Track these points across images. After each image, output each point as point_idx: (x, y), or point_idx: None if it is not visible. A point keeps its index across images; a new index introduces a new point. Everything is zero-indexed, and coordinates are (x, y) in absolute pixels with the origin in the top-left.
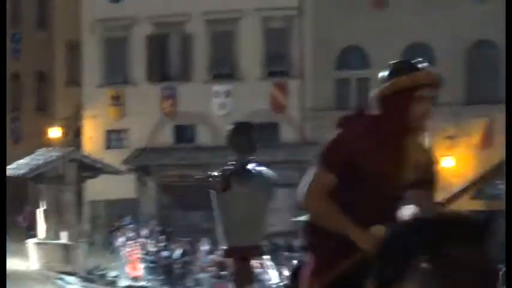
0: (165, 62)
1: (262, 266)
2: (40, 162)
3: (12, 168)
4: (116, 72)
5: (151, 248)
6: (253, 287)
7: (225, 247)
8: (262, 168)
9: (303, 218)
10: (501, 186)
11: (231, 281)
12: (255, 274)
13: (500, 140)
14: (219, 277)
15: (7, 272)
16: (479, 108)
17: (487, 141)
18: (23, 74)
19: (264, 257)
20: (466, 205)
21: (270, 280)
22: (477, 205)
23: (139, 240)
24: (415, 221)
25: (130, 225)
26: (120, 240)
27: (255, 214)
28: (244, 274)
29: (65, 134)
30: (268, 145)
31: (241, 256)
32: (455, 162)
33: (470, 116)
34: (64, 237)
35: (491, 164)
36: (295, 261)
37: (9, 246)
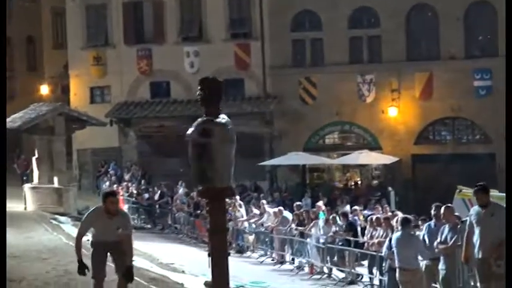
0: (140, 26)
1: (233, 205)
2: (33, 116)
3: (8, 122)
4: (97, 36)
5: (134, 191)
6: (226, 223)
7: (200, 188)
8: (227, 119)
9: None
10: None
11: (206, 219)
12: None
13: (439, 91)
14: (195, 215)
15: (8, 212)
16: (419, 64)
17: (427, 93)
18: (15, 38)
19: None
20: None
21: (241, 217)
22: None
23: (123, 183)
24: None
25: (114, 171)
26: (106, 184)
27: (225, 159)
28: (218, 212)
29: (54, 91)
30: (235, 99)
31: (215, 196)
32: (399, 112)
33: (412, 71)
34: (56, 182)
35: (431, 112)
36: (263, 201)
37: (8, 191)
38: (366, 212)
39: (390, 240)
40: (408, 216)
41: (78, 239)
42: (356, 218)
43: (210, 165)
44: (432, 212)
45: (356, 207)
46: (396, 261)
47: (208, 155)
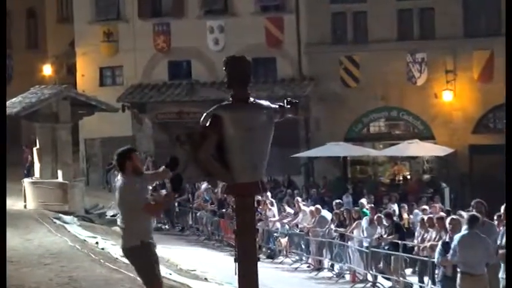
0: None
1: (264, 202)
2: (33, 100)
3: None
4: (107, 8)
5: (149, 186)
6: (255, 223)
7: (226, 184)
8: (261, 102)
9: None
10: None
11: (233, 219)
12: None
13: (500, 73)
14: (220, 215)
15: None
16: (478, 41)
17: (487, 74)
18: (14, 11)
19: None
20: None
21: (273, 217)
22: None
23: None
24: None
25: None
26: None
27: (255, 150)
28: (246, 211)
29: (58, 71)
30: (266, 81)
31: (244, 192)
32: (455, 96)
33: (470, 49)
34: (60, 177)
35: (491, 96)
36: (298, 198)
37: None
38: (416, 211)
39: (444, 244)
40: (476, 214)
41: (152, 208)
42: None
43: (236, 156)
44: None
45: (404, 205)
46: (460, 265)
47: (232, 145)
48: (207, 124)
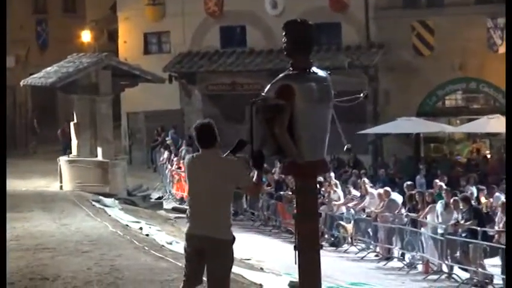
0: None
1: (329, 184)
2: (70, 69)
3: (40, 77)
4: None
5: None
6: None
7: (285, 163)
8: (323, 73)
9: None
10: None
11: (292, 202)
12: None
13: None
14: (277, 198)
15: (38, 192)
16: None
17: None
18: None
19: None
20: None
21: (337, 200)
22: None
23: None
24: None
25: (174, 140)
26: (163, 156)
27: (319, 125)
28: (308, 193)
29: (98, 38)
30: (329, 48)
31: (305, 172)
32: None
33: None
34: (100, 155)
35: None
36: (365, 179)
37: (38, 165)
38: (497, 194)
39: None
40: None
41: (256, 189)
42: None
43: (301, 132)
44: None
45: (483, 187)
46: None
47: (299, 119)
48: (278, 95)
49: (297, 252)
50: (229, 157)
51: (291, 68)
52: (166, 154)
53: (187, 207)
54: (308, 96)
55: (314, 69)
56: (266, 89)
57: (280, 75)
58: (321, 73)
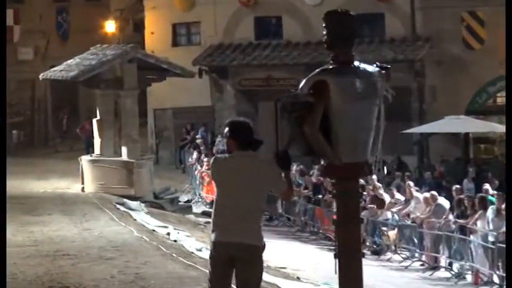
0: None
1: (375, 187)
2: (93, 62)
3: (61, 70)
4: None
5: None
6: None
7: (324, 164)
8: (367, 66)
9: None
10: None
11: (331, 206)
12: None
13: None
14: (315, 202)
15: (58, 194)
16: None
17: None
18: None
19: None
20: None
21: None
22: None
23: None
24: None
25: (204, 139)
26: (193, 157)
27: (362, 124)
28: (349, 197)
29: (123, 28)
30: (372, 41)
31: (347, 175)
32: None
33: None
34: (124, 154)
35: None
36: (409, 182)
37: (58, 165)
38: None
39: None
40: None
41: (289, 194)
42: None
43: (340, 131)
44: None
45: None
46: None
47: (337, 117)
48: (311, 92)
49: (337, 260)
50: (265, 160)
51: (331, 62)
52: (195, 154)
53: (214, 212)
54: (347, 92)
55: (359, 63)
56: (301, 85)
57: (317, 70)
58: (367, 67)
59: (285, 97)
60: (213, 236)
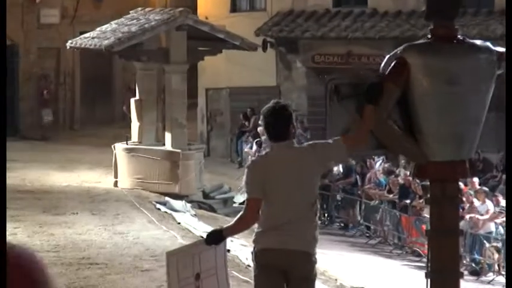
0: None
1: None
2: (133, 29)
3: (93, 37)
4: None
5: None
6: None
7: (416, 162)
8: (476, 42)
9: None
10: None
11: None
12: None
13: None
14: (402, 208)
15: (85, 189)
16: None
17: None
18: None
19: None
20: None
21: (485, 214)
22: None
23: None
24: None
25: None
26: (252, 148)
27: (462, 114)
28: (446, 203)
29: None
30: (477, 13)
31: (443, 176)
32: None
33: None
34: (168, 143)
35: None
36: None
37: (87, 153)
38: None
39: None
40: None
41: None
42: None
43: (431, 122)
44: None
45: None
46: None
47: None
48: (387, 72)
49: (428, 280)
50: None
51: (429, 36)
52: (255, 146)
53: (263, 214)
54: (440, 74)
55: (466, 39)
56: (382, 63)
57: (404, 45)
58: (478, 44)
59: (337, 78)
60: (259, 242)
